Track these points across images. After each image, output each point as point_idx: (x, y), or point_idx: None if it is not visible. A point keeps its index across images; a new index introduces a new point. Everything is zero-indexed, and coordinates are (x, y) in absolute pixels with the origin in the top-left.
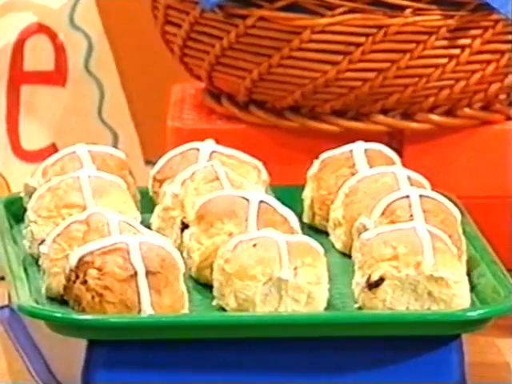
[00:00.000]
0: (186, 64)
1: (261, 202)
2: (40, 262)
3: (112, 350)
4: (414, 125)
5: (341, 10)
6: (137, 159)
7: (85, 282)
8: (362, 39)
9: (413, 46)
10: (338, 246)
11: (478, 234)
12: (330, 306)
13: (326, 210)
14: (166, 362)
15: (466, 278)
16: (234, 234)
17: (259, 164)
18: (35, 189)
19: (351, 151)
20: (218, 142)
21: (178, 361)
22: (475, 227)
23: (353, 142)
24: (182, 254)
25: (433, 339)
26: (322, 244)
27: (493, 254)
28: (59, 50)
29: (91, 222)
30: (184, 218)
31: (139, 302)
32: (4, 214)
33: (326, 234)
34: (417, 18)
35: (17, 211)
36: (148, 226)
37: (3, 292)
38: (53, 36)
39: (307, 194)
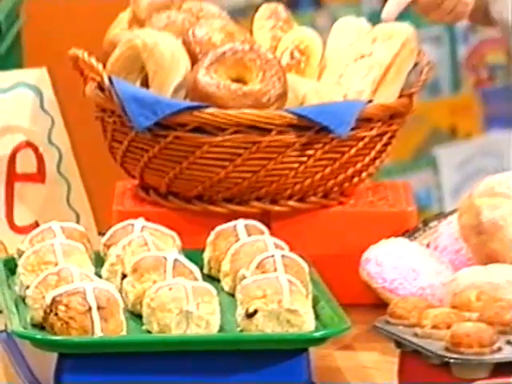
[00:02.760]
0: (125, 168)
1: (175, 260)
2: (26, 301)
3: (75, 360)
4: (277, 208)
5: (229, 131)
6: (92, 231)
7: (56, 314)
8: (242, 151)
9: (276, 155)
10: (226, 288)
11: (319, 280)
12: (221, 329)
13: (219, 265)
14: (112, 368)
15: (311, 310)
16: (157, 281)
17: (175, 235)
18: (23, 252)
19: (235, 225)
20: (147, 220)
21: (121, 367)
22: (318, 275)
23: (236, 219)
24: (121, 294)
25: (290, 351)
26: (215, 287)
27: (329, 293)
28: (40, 159)
29: (61, 274)
30: (123, 271)
31: (93, 328)
32: (2, 268)
33: (218, 281)
34: (279, 137)
35: (11, 267)
36: (99, 276)
37: (2, 321)
38: (36, 149)
39: (206, 255)
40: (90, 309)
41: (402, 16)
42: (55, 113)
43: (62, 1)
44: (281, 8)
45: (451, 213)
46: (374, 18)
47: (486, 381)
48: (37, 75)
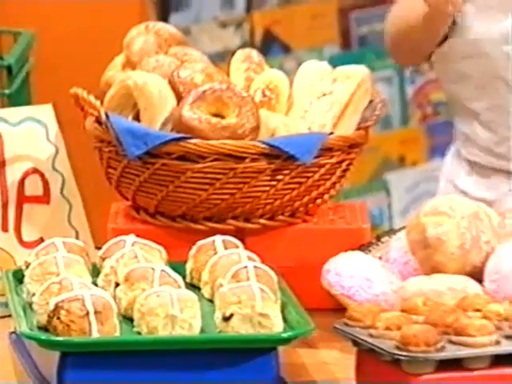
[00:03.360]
0: (119, 191)
1: (162, 270)
2: (32, 307)
3: (75, 358)
4: (250, 225)
5: (209, 159)
6: (90, 246)
7: (58, 318)
8: (221, 176)
9: (250, 180)
10: (206, 295)
11: (287, 288)
12: (202, 331)
13: (199, 275)
14: (107, 365)
15: (280, 314)
16: (146, 289)
17: (161, 248)
18: (30, 263)
19: (214, 241)
20: (137, 236)
21: (115, 364)
22: (285, 284)
23: (215, 235)
24: (115, 301)
25: (261, 350)
26: (197, 295)
27: (295, 299)
28: (45, 183)
29: (63, 283)
30: (117, 280)
31: (90, 330)
32: (12, 279)
33: (199, 288)
34: (252, 164)
35: (20, 277)
36: (96, 285)
37: (12, 324)
38: (42, 175)
39: (189, 266)
40: (87, 313)
41: (358, 60)
42: (59, 143)
43: (66, 46)
44: (254, 53)
45: (400, 230)
46: (334, 62)
47: (432, 375)
48: (43, 111)
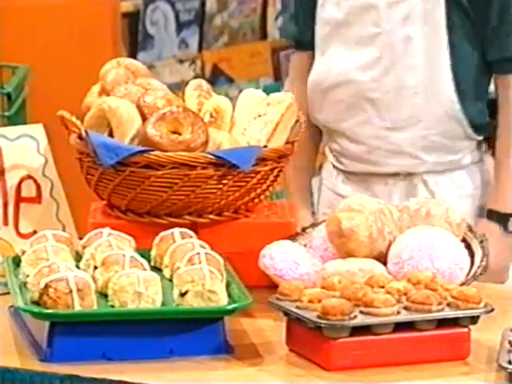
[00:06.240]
0: (97, 193)
1: (131, 256)
2: (27, 286)
3: (61, 326)
4: (202, 220)
5: (168, 167)
6: (74, 237)
7: (48, 295)
8: (177, 181)
9: (200, 184)
10: (167, 276)
11: (231, 269)
12: (163, 304)
13: (161, 259)
14: (87, 332)
15: (225, 291)
16: (118, 271)
17: (131, 239)
18: (25, 251)
19: (173, 232)
20: (112, 228)
21: (93, 331)
22: (230, 266)
23: (173, 228)
24: (93, 280)
25: (211, 319)
26: (159, 275)
27: (237, 279)
28: (38, 187)
29: (51, 267)
30: (95, 264)
31: (73, 304)
32: (11, 263)
33: (161, 270)
34: (202, 171)
35: (17, 262)
36: (78, 268)
37: (10, 300)
38: (34, 180)
39: (153, 252)
40: (71, 291)
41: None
42: (48, 155)
43: (54, 78)
44: (203, 82)
45: (321, 223)
46: (268, 90)
47: (347, 339)
48: (35, 129)
